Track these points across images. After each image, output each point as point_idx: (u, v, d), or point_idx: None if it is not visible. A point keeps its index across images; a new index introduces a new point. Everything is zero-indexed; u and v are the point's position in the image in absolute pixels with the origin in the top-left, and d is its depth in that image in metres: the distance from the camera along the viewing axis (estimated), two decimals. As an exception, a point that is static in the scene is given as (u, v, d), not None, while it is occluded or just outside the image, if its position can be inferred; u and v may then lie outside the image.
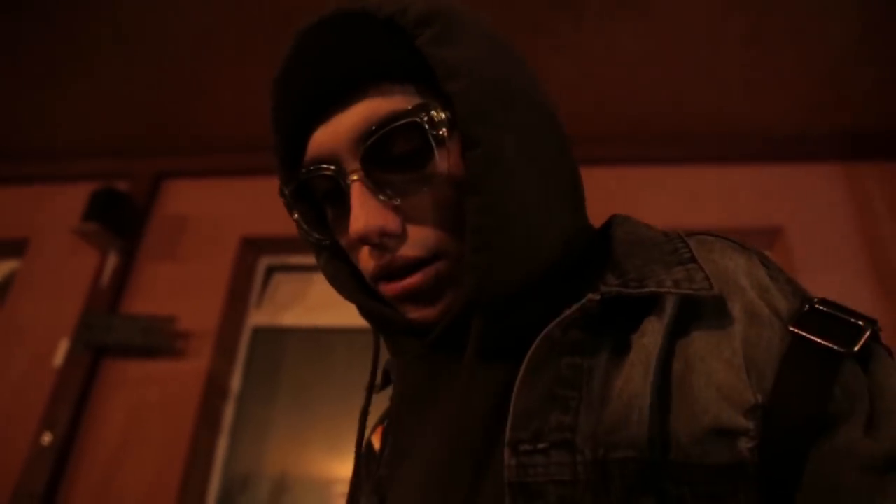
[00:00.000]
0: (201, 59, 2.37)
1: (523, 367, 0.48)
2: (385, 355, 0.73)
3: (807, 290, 0.52)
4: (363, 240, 0.53)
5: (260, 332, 2.65)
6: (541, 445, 0.46)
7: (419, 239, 0.54)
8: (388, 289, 0.56)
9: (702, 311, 0.49)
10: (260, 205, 2.71)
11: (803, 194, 2.44)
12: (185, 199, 2.81)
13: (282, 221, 2.65)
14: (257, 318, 2.67)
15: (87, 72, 2.44)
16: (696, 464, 0.43)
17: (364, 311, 0.63)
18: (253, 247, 2.72)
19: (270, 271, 2.80)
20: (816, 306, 0.48)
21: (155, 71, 2.44)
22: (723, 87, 2.34)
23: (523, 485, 0.46)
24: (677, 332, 0.49)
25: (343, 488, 2.27)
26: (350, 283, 0.63)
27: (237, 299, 2.61)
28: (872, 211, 2.38)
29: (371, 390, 0.68)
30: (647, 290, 0.49)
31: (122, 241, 2.62)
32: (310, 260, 2.82)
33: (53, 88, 2.53)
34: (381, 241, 0.53)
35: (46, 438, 2.27)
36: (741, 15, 2.06)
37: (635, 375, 0.46)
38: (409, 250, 0.54)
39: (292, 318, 2.64)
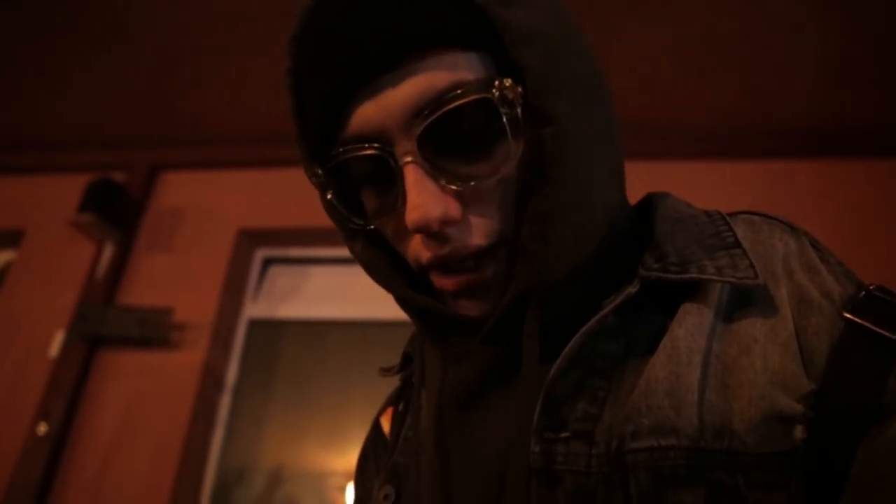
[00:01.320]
0: (199, 51, 2.35)
1: (560, 359, 0.46)
2: (402, 341, 0.70)
3: (864, 284, 0.49)
4: (422, 229, 0.46)
5: (256, 324, 2.65)
6: (563, 434, 0.46)
7: (481, 227, 0.48)
8: (444, 283, 0.50)
9: (752, 294, 0.47)
10: (257, 197, 2.71)
11: (795, 190, 2.44)
12: (181, 190, 2.80)
13: (279, 214, 2.66)
14: (254, 310, 2.67)
15: (84, 63, 2.43)
16: (752, 452, 0.41)
17: (407, 303, 0.56)
18: (249, 239, 2.71)
19: (267, 263, 2.79)
20: (872, 292, 0.46)
21: (152, 62, 2.43)
22: (717, 83, 2.34)
23: (546, 471, 0.45)
24: (726, 316, 0.47)
25: (340, 481, 2.29)
26: (391, 273, 0.55)
27: (233, 291, 2.61)
28: (866, 208, 2.38)
29: (411, 382, 0.62)
30: (687, 276, 0.47)
31: (119, 232, 2.61)
32: (307, 252, 2.81)
33: (50, 79, 2.52)
34: (440, 230, 0.46)
35: (42, 429, 2.26)
36: (735, 13, 2.06)
37: (658, 362, 0.45)
38: (471, 239, 0.47)
39: (289, 310, 2.64)
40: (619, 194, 0.55)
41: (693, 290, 0.48)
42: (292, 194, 2.41)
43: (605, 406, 0.46)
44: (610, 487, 0.43)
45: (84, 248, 2.64)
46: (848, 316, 0.44)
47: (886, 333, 0.43)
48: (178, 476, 2.20)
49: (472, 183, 0.46)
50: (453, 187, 0.46)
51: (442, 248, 0.48)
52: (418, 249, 0.50)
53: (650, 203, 0.58)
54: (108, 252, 2.62)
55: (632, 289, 0.47)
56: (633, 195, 0.60)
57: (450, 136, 0.46)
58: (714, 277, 0.47)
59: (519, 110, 0.45)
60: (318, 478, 2.35)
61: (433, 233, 0.47)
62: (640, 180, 0.68)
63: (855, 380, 0.42)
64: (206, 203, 2.74)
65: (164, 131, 2.80)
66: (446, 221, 0.46)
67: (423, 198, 0.45)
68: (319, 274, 2.69)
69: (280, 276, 2.76)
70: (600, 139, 0.50)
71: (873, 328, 0.43)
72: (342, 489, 2.30)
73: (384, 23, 0.45)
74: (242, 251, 2.68)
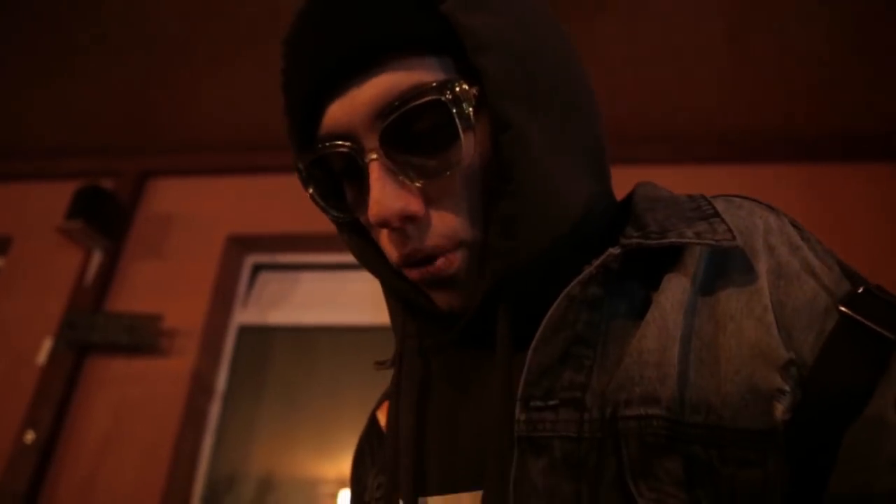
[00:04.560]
0: (187, 58, 2.35)
1: (542, 325, 0.47)
2: (391, 346, 0.71)
3: (845, 264, 0.50)
4: (382, 224, 0.49)
5: (246, 331, 2.64)
6: (551, 402, 0.46)
7: (442, 226, 0.50)
8: (412, 273, 0.53)
9: (728, 267, 0.48)
10: (246, 203, 2.70)
11: (788, 195, 2.46)
12: (170, 197, 2.79)
13: (268, 220, 2.65)
14: (243, 316, 2.66)
15: (72, 69, 2.43)
16: (727, 427, 0.42)
17: (391, 291, 0.59)
18: (239, 245, 2.71)
19: (256, 269, 2.79)
20: (870, 289, 0.46)
21: (140, 69, 2.43)
22: (707, 87, 2.36)
23: (531, 439, 0.46)
24: (703, 288, 0.48)
25: (331, 488, 2.28)
26: (377, 259, 0.58)
27: (223, 298, 2.60)
28: (852, 213, 2.40)
29: (399, 374, 0.63)
30: (667, 240, 0.48)
31: (107, 239, 2.60)
32: (296, 258, 2.81)
33: (38, 86, 2.51)
34: (402, 226, 0.49)
35: (29, 437, 2.25)
36: (724, 16, 2.07)
37: (649, 333, 0.46)
38: (431, 240, 0.50)
39: (278, 316, 2.64)
40: (598, 184, 0.55)
41: (673, 261, 0.49)
42: (281, 201, 2.41)
43: (592, 374, 0.47)
44: (603, 453, 0.44)
45: (72, 254, 2.63)
46: (843, 310, 0.45)
47: (881, 330, 0.43)
48: (168, 484, 2.19)
49: (431, 179, 0.49)
50: (417, 184, 0.49)
51: (404, 246, 0.51)
52: (388, 245, 0.53)
53: (633, 192, 0.60)
54: (96, 259, 2.61)
55: (613, 251, 0.48)
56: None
57: (410, 135, 0.49)
58: (693, 241, 0.47)
59: (471, 111, 0.48)
60: (308, 485, 2.34)
61: (395, 228, 0.49)
62: (628, 185, 0.69)
63: (846, 375, 0.43)
64: (195, 209, 2.73)
65: (152, 138, 2.80)
66: (406, 217, 0.49)
67: (384, 193, 0.48)
68: (309, 280, 2.69)
69: (269, 283, 2.75)
70: (569, 138, 0.52)
71: (868, 324, 0.44)
72: (333, 496, 2.29)
73: (354, 29, 0.49)
74: (232, 257, 2.68)
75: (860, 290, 0.46)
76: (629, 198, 0.59)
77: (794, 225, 0.52)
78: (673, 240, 0.48)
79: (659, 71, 2.29)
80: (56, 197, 2.64)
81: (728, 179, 2.50)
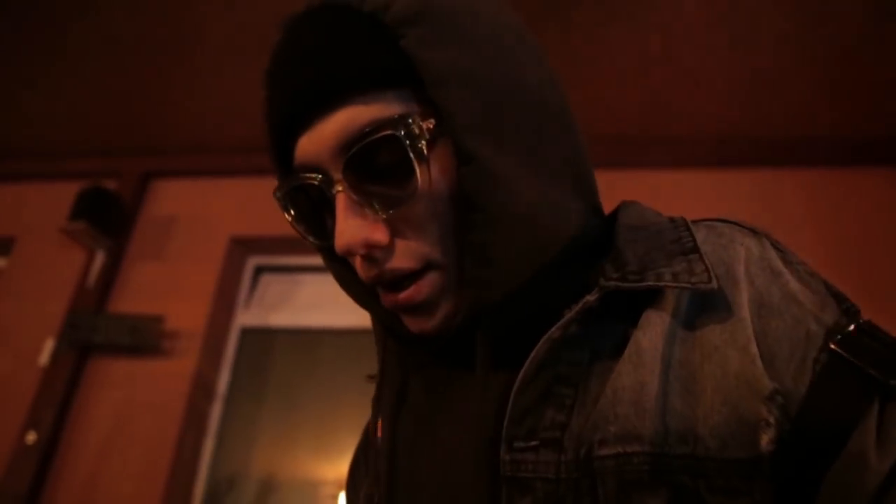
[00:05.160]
0: (190, 60, 2.36)
1: (524, 367, 0.48)
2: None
3: (830, 284, 0.50)
4: (346, 253, 0.51)
5: (247, 333, 2.64)
6: (532, 443, 0.47)
7: (407, 250, 0.51)
8: (386, 299, 0.54)
9: (712, 300, 0.49)
10: (248, 205, 2.70)
11: (790, 199, 2.46)
12: (173, 198, 2.80)
13: (270, 222, 2.65)
14: (245, 318, 2.66)
15: (75, 71, 2.43)
16: (714, 457, 0.43)
17: (372, 315, 0.61)
18: (241, 247, 2.71)
19: (258, 272, 2.79)
20: (861, 326, 0.47)
21: (144, 71, 2.43)
22: (711, 93, 2.36)
23: (516, 479, 0.47)
24: (686, 322, 0.48)
25: (331, 490, 2.28)
26: (356, 285, 0.59)
27: (225, 299, 2.61)
28: (851, 217, 2.40)
29: (381, 385, 0.64)
30: (644, 284, 0.49)
31: (110, 240, 2.60)
32: (298, 261, 2.81)
33: (41, 86, 2.52)
34: (368, 253, 0.51)
35: (31, 438, 2.25)
36: (729, 23, 2.08)
37: (624, 371, 0.47)
38: (397, 262, 0.51)
39: (280, 318, 2.64)
40: (583, 205, 0.56)
41: (653, 296, 0.50)
42: (284, 202, 2.40)
43: (573, 413, 0.48)
44: (578, 493, 0.45)
45: (75, 255, 2.63)
46: (834, 347, 0.45)
47: (869, 370, 0.44)
48: (169, 485, 2.19)
49: (392, 210, 0.50)
50: (382, 215, 0.50)
51: (371, 269, 0.52)
52: (360, 269, 0.54)
53: (618, 211, 0.60)
54: (99, 260, 2.61)
55: (590, 297, 0.49)
56: (615, 204, 0.61)
57: (371, 167, 0.50)
58: (670, 284, 0.48)
59: (423, 144, 0.49)
60: (309, 486, 2.35)
61: (362, 255, 0.51)
62: (632, 189, 0.69)
63: (833, 411, 0.43)
64: (198, 211, 2.74)
65: (155, 139, 2.81)
66: (370, 245, 0.50)
67: (347, 225, 0.50)
68: (311, 282, 2.69)
69: (272, 285, 2.76)
70: (546, 162, 0.52)
71: (857, 363, 0.44)
72: (333, 497, 2.29)
73: (319, 65, 0.50)
74: (234, 259, 2.68)
75: (851, 329, 0.47)
76: (613, 218, 0.59)
77: (776, 247, 0.53)
78: (650, 283, 0.48)
79: (663, 77, 2.29)
80: (59, 198, 2.65)
81: (732, 184, 2.50)
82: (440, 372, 0.57)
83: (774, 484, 0.42)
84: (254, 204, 2.70)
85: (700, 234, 0.53)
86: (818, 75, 2.24)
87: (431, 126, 0.49)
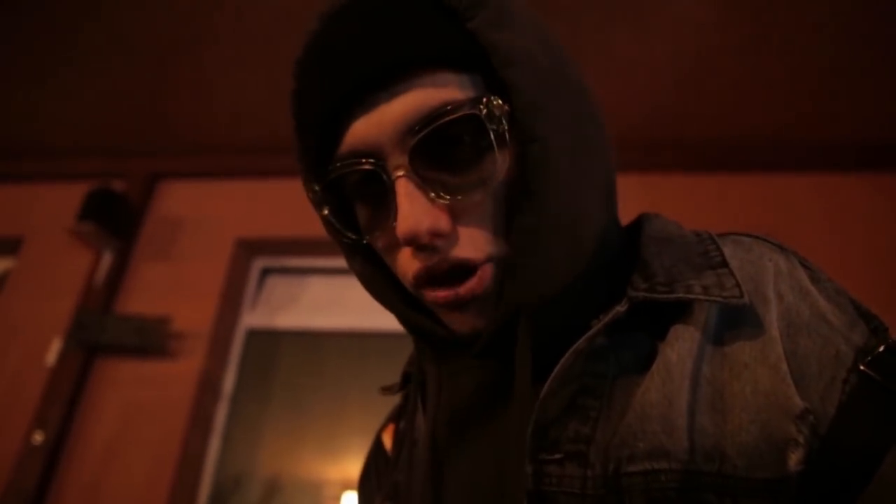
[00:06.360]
0: (199, 60, 2.37)
1: (550, 378, 0.47)
2: (401, 356, 0.70)
3: (858, 303, 0.49)
4: (411, 241, 0.47)
5: (254, 334, 2.65)
6: (556, 455, 0.46)
7: (471, 241, 0.48)
8: (437, 295, 0.50)
9: (741, 316, 0.47)
10: (255, 207, 2.71)
11: (794, 204, 2.45)
12: (180, 199, 2.81)
13: (277, 224, 2.66)
14: (251, 319, 2.67)
15: (84, 71, 2.44)
16: (741, 476, 0.42)
17: (403, 321, 0.57)
18: (247, 248, 2.72)
19: (265, 273, 2.80)
20: (892, 346, 0.46)
21: (152, 71, 2.44)
22: (718, 95, 2.36)
23: (540, 493, 0.46)
24: (716, 337, 0.47)
25: (335, 491, 2.28)
26: (387, 290, 0.56)
27: (231, 301, 2.61)
28: (861, 222, 2.39)
29: (416, 397, 0.61)
30: (674, 295, 0.48)
31: (117, 241, 2.61)
32: (304, 262, 2.81)
33: (50, 87, 2.53)
34: (430, 242, 0.47)
35: (38, 437, 2.26)
36: (736, 24, 2.07)
37: (653, 386, 0.46)
38: (460, 251, 0.48)
39: (286, 320, 2.64)
40: (609, 214, 0.55)
41: (682, 310, 0.49)
42: (291, 204, 2.41)
43: (598, 426, 0.47)
44: None
45: (83, 256, 2.64)
46: (864, 369, 0.44)
47: None
48: (175, 485, 2.20)
49: (460, 196, 0.48)
50: (443, 201, 0.48)
51: (430, 258, 0.49)
52: (408, 263, 0.51)
53: (639, 223, 0.59)
54: (106, 260, 2.62)
55: (620, 308, 0.48)
56: (628, 208, 0.61)
57: (440, 151, 0.48)
58: (700, 297, 0.47)
59: (505, 126, 0.47)
60: (314, 487, 2.35)
61: (423, 245, 0.48)
62: (634, 193, 0.69)
63: (863, 434, 0.42)
64: (205, 212, 2.75)
65: (163, 140, 2.82)
66: (435, 233, 0.47)
67: (414, 209, 0.46)
68: (317, 284, 2.70)
69: (278, 286, 2.76)
70: (587, 161, 0.51)
71: (888, 385, 0.44)
72: (338, 499, 2.29)
73: (380, 46, 0.48)
74: (240, 261, 2.69)
75: (881, 349, 0.45)
76: (635, 230, 0.58)
77: (804, 265, 0.52)
78: (680, 295, 0.47)
79: (669, 78, 2.29)
80: (67, 198, 2.66)
81: (739, 188, 2.50)
82: (479, 379, 0.54)
83: (801, 501, 0.42)
84: (260, 206, 2.71)
85: (727, 249, 0.52)
86: (828, 77, 2.23)
87: (506, 108, 0.47)
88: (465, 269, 0.49)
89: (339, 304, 2.60)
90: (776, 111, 2.40)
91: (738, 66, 2.22)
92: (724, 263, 0.50)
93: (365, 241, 0.54)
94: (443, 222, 0.47)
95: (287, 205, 2.48)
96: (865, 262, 2.24)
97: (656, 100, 2.39)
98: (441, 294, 0.50)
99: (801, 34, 2.07)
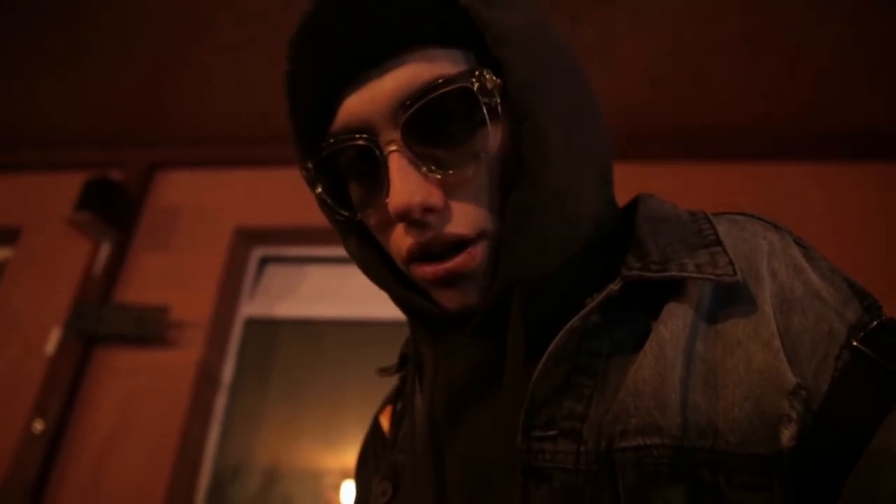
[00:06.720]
0: (197, 50, 2.36)
1: (545, 356, 0.47)
2: (400, 345, 0.70)
3: (852, 280, 0.50)
4: (403, 216, 0.47)
5: (252, 323, 2.65)
6: (551, 432, 0.47)
7: (463, 216, 0.49)
8: (426, 271, 0.50)
9: (734, 294, 0.48)
10: (254, 195, 2.71)
11: (792, 193, 2.45)
12: (178, 189, 2.81)
13: (275, 212, 2.66)
14: (250, 308, 2.67)
15: (81, 60, 2.43)
16: (734, 452, 0.42)
17: (398, 300, 0.57)
18: (246, 237, 2.71)
19: (263, 262, 2.80)
20: (885, 323, 0.46)
21: (150, 60, 2.43)
22: (718, 84, 2.36)
23: (533, 468, 0.46)
24: (708, 316, 0.48)
25: (335, 480, 2.29)
26: (381, 270, 0.57)
27: (230, 290, 2.61)
28: (857, 212, 2.39)
29: (413, 378, 0.61)
30: (668, 273, 0.48)
31: (116, 230, 2.61)
32: (303, 251, 2.81)
33: (47, 77, 2.52)
34: (422, 217, 0.47)
35: (38, 426, 2.27)
36: (736, 12, 2.07)
37: (646, 364, 0.46)
38: (454, 227, 0.48)
39: (285, 309, 2.65)
40: (605, 194, 0.55)
41: (675, 289, 0.49)
42: (289, 193, 2.41)
43: (592, 404, 0.47)
44: (598, 485, 0.45)
45: (81, 245, 2.64)
46: (857, 345, 0.45)
47: (894, 369, 0.43)
48: (174, 474, 2.21)
49: (452, 171, 0.48)
50: (437, 176, 0.48)
51: (423, 234, 0.49)
52: (401, 239, 0.51)
53: (635, 204, 0.60)
54: (104, 250, 2.62)
55: (614, 286, 0.48)
56: (625, 196, 0.61)
57: (432, 126, 0.48)
58: (693, 275, 0.47)
59: (498, 100, 0.47)
60: (313, 476, 2.36)
61: (415, 221, 0.48)
62: (632, 181, 0.69)
63: (856, 409, 0.43)
64: (203, 201, 2.74)
65: (161, 130, 2.81)
66: (427, 208, 0.47)
67: (406, 184, 0.47)
68: (316, 273, 2.70)
69: (276, 275, 2.76)
70: (582, 139, 0.51)
71: (881, 361, 0.44)
72: (337, 488, 2.30)
73: (372, 22, 0.48)
74: (239, 250, 2.69)
75: (874, 324, 0.46)
76: (631, 210, 0.59)
77: (799, 243, 0.52)
78: (674, 273, 0.48)
79: (669, 67, 2.28)
80: (65, 188, 2.65)
81: (739, 177, 2.49)
82: (474, 357, 0.54)
83: (795, 479, 0.42)
84: (259, 194, 2.71)
85: (722, 228, 0.52)
86: (830, 66, 2.23)
87: (499, 83, 0.48)
88: (457, 246, 0.49)
89: (337, 292, 2.60)
90: (775, 100, 2.40)
91: (737, 55, 2.21)
92: (718, 242, 0.50)
93: (358, 219, 0.54)
94: (435, 197, 0.48)
95: (285, 194, 2.48)
96: (864, 251, 2.24)
97: (655, 88, 2.38)
98: (430, 269, 0.50)
99: (800, 23, 2.06)
